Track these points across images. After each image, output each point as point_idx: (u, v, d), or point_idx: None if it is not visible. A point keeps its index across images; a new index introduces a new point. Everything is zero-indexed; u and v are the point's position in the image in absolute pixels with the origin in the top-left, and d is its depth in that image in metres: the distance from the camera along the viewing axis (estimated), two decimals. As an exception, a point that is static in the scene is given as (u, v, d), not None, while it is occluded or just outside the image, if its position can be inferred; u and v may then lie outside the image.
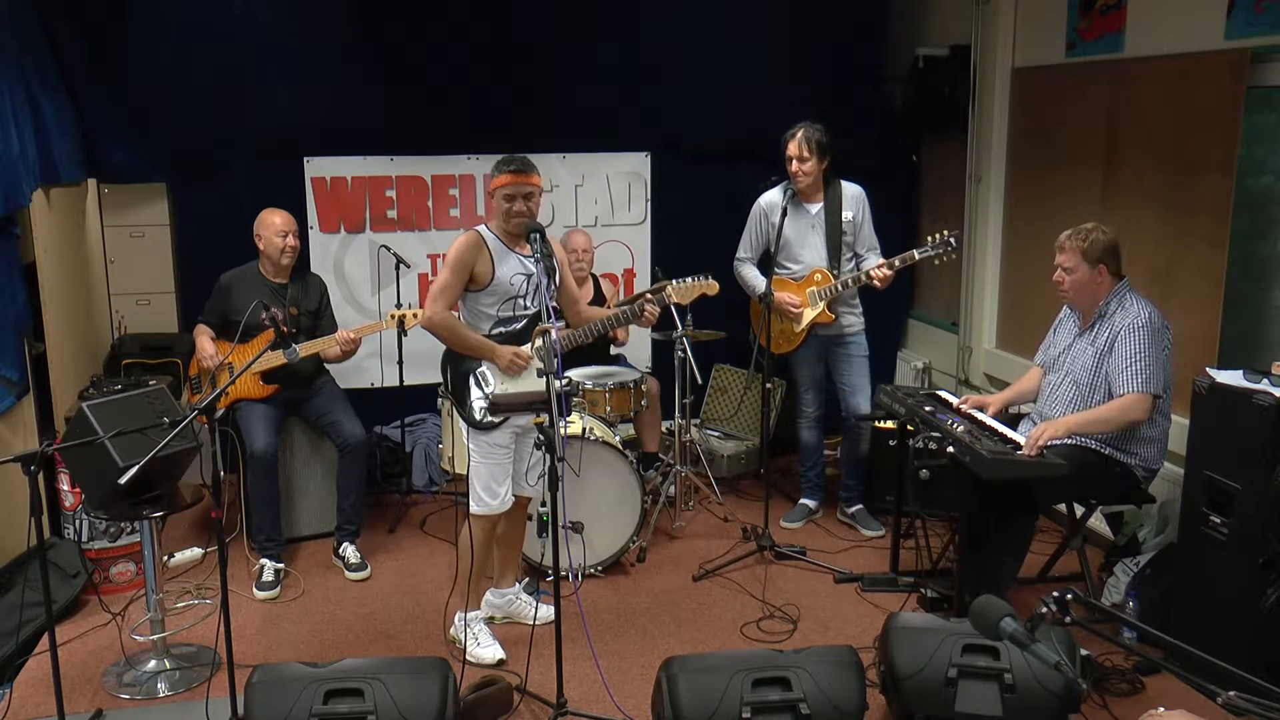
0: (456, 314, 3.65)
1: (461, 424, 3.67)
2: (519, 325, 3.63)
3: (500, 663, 3.68)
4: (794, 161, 4.54)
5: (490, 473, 3.63)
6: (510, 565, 4.02)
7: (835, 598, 4.25)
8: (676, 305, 4.03)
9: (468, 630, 3.77)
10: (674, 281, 3.84)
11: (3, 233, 4.10)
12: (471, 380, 3.59)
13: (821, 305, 4.64)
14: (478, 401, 3.57)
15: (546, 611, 3.64)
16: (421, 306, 4.72)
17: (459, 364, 3.62)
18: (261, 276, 4.50)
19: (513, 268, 3.58)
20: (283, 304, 4.40)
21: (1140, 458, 3.73)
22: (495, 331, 3.61)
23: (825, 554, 4.61)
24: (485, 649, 3.73)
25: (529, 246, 3.51)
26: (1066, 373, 3.87)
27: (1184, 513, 3.64)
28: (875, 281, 4.49)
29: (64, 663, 3.28)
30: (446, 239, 5.26)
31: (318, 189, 5.38)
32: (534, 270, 3.54)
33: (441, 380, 3.70)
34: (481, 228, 3.63)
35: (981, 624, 2.02)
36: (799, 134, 4.52)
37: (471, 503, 3.67)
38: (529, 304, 3.63)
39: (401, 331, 4.75)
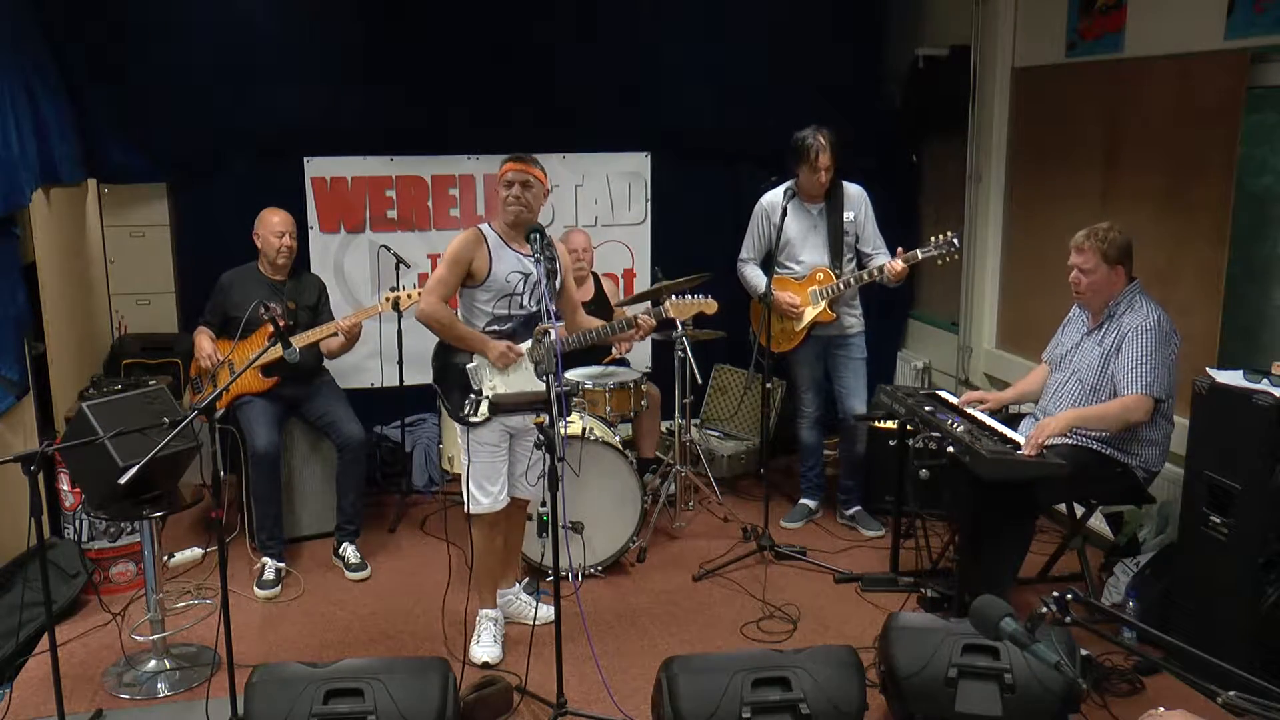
0: (456, 310, 3.67)
1: (456, 423, 3.68)
2: (514, 324, 3.63)
3: (486, 665, 3.66)
4: (823, 173, 4.51)
5: (481, 470, 3.64)
6: (510, 565, 4.01)
7: (835, 598, 4.25)
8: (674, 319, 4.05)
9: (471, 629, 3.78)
10: (674, 297, 3.88)
11: (3, 233, 4.11)
12: (467, 375, 3.59)
13: (823, 304, 4.63)
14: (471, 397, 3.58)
15: (546, 611, 3.64)
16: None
17: (449, 357, 3.63)
18: (261, 274, 4.52)
19: (510, 265, 3.58)
20: (281, 299, 4.41)
21: (1141, 459, 3.73)
22: (490, 329, 3.62)
23: (825, 554, 4.61)
24: (479, 649, 3.73)
25: (529, 245, 3.52)
26: (1072, 371, 3.87)
27: (1184, 513, 3.64)
28: (889, 276, 4.46)
29: (64, 663, 3.28)
30: (446, 239, 5.22)
31: (318, 189, 5.38)
32: (533, 270, 3.54)
33: (432, 373, 3.71)
34: (484, 225, 3.65)
35: (981, 624, 2.02)
36: (822, 139, 4.47)
37: (467, 502, 3.68)
38: (526, 303, 3.62)
39: (397, 312, 4.75)
